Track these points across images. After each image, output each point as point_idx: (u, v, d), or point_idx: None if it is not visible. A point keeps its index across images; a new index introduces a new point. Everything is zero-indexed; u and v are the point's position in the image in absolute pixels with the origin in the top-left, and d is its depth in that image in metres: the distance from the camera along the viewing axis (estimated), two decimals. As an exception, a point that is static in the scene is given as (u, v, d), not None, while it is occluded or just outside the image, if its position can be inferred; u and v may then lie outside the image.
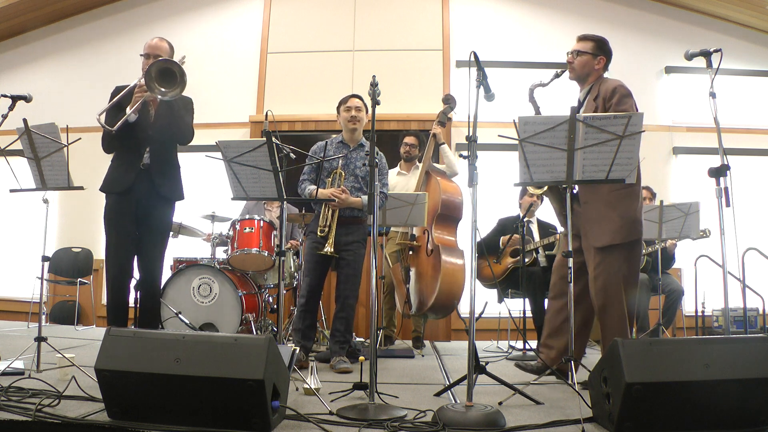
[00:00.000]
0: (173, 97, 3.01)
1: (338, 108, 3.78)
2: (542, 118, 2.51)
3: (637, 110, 2.93)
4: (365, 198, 3.60)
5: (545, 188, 3.06)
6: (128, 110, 3.09)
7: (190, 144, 6.22)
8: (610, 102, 2.92)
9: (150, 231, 3.24)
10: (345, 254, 3.56)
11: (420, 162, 4.74)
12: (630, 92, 2.97)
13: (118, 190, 3.18)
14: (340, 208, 3.54)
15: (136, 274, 3.31)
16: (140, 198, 3.17)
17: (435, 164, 4.61)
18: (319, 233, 3.52)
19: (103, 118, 3.09)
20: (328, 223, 3.49)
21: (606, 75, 3.12)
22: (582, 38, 3.12)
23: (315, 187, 3.55)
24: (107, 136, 3.19)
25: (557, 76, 3.06)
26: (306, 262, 3.70)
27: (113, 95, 3.27)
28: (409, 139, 4.74)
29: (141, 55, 3.29)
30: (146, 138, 3.20)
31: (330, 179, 3.59)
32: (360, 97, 3.73)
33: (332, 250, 3.44)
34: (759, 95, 6.40)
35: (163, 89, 2.97)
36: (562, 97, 3.31)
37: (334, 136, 3.83)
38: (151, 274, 3.26)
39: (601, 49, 3.09)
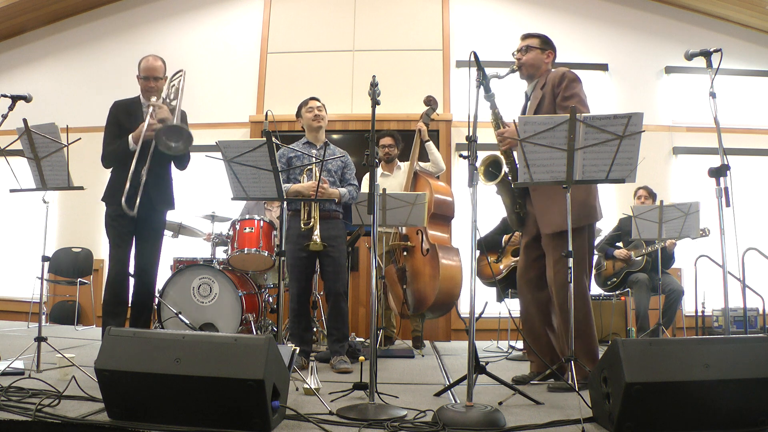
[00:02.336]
0: (177, 153, 3.17)
1: (299, 112, 3.82)
2: (542, 118, 2.51)
3: (585, 96, 2.94)
4: (342, 189, 3.66)
5: (497, 180, 3.02)
6: (131, 141, 3.29)
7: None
8: (559, 88, 2.92)
9: (147, 232, 3.43)
10: (330, 250, 3.56)
11: (400, 160, 4.75)
12: (578, 77, 2.97)
13: (120, 204, 3.35)
14: (321, 203, 3.55)
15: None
16: (138, 209, 3.33)
17: (420, 163, 4.62)
18: (303, 227, 3.50)
19: (131, 143, 3.29)
20: (311, 216, 3.50)
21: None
22: (526, 36, 3.14)
23: (289, 185, 3.56)
24: (110, 155, 3.39)
25: (513, 71, 3.02)
26: (290, 266, 3.67)
27: (112, 112, 3.45)
28: (385, 140, 4.71)
29: (140, 77, 3.44)
30: (145, 157, 3.35)
31: (303, 177, 3.61)
32: (318, 99, 3.80)
33: (320, 240, 3.43)
34: (759, 95, 6.41)
35: (170, 143, 3.12)
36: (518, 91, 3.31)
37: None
38: (148, 271, 3.44)
39: (547, 43, 3.12)
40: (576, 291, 2.81)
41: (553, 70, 3.10)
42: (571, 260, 2.56)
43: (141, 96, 3.52)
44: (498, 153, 3.10)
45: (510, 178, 3.13)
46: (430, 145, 4.61)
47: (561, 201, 2.80)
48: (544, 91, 2.99)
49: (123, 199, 3.18)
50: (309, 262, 3.63)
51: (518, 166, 2.60)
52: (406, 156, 4.73)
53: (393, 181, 4.64)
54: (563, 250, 2.79)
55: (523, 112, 3.15)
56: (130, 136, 3.30)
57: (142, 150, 3.32)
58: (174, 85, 3.50)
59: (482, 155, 3.11)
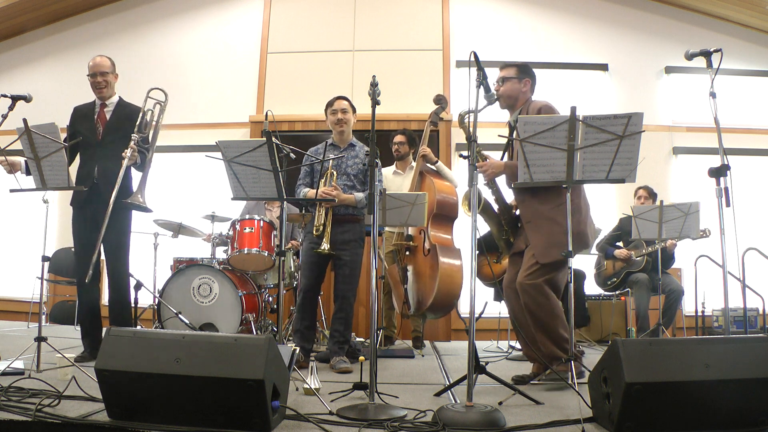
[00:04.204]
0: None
1: (325, 111, 3.79)
2: (542, 118, 2.51)
3: None
4: (359, 194, 3.63)
5: (479, 209, 3.06)
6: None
7: (190, 144, 6.23)
8: None
9: (109, 235, 3.50)
10: (342, 253, 3.56)
11: (414, 160, 4.74)
12: (555, 110, 3.01)
13: (77, 205, 3.59)
14: (335, 207, 3.54)
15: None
16: (95, 209, 3.46)
17: (429, 165, 4.60)
18: (314, 233, 3.52)
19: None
20: (322, 222, 3.50)
21: (534, 98, 3.17)
22: (504, 66, 3.19)
23: (308, 189, 3.61)
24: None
25: (491, 102, 2.99)
26: (303, 263, 3.72)
27: (70, 118, 3.66)
28: (397, 138, 4.71)
29: (88, 76, 3.65)
30: (94, 155, 3.54)
31: (323, 180, 3.60)
32: (346, 99, 3.75)
33: (329, 247, 3.44)
34: (759, 95, 6.40)
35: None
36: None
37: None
38: (117, 273, 3.61)
39: (524, 72, 3.15)
40: (539, 297, 2.89)
41: (533, 100, 3.14)
42: (571, 260, 2.56)
43: (96, 99, 3.67)
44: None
45: (496, 208, 3.21)
46: (440, 166, 4.54)
47: (557, 232, 2.85)
48: None
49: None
50: (322, 261, 3.63)
51: (518, 165, 2.60)
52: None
53: (405, 179, 4.65)
54: (541, 275, 2.90)
55: (507, 141, 3.20)
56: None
57: (91, 147, 3.49)
58: (150, 110, 3.58)
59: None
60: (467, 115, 2.88)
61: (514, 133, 3.05)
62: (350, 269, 3.62)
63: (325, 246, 3.42)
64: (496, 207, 3.24)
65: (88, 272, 3.37)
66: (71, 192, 3.51)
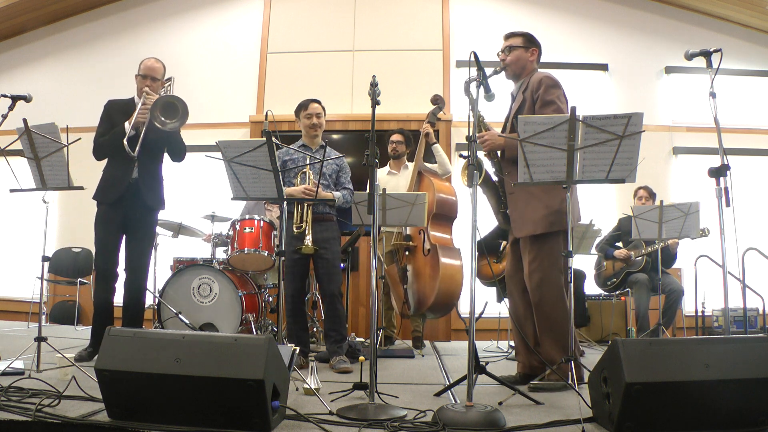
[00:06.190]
0: (172, 129, 3.28)
1: (297, 113, 3.77)
2: (542, 118, 2.50)
3: (566, 99, 2.94)
4: (337, 193, 3.66)
5: (479, 180, 3.00)
6: (127, 126, 3.39)
7: (191, 144, 6.25)
8: (537, 93, 2.93)
9: (136, 236, 3.55)
10: (323, 252, 3.57)
11: (408, 160, 4.74)
12: (557, 82, 2.96)
13: (109, 201, 3.51)
14: (314, 205, 3.55)
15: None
16: (128, 208, 3.48)
17: (426, 164, 4.61)
18: (295, 230, 3.51)
19: (127, 128, 3.41)
20: (304, 219, 3.50)
21: (540, 70, 3.12)
22: (509, 35, 3.15)
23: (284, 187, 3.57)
24: (103, 143, 3.50)
25: (496, 72, 3.01)
26: (285, 267, 3.66)
27: (106, 110, 3.60)
28: (395, 137, 4.72)
29: (137, 75, 3.56)
30: (136, 153, 3.46)
31: (297, 179, 3.61)
32: (319, 102, 3.75)
33: (312, 242, 3.43)
34: (759, 95, 6.41)
35: (164, 119, 3.25)
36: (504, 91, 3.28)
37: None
38: (136, 274, 3.56)
39: (531, 41, 3.12)
40: (552, 291, 2.85)
41: (538, 70, 3.11)
42: (571, 260, 2.55)
43: (136, 96, 3.62)
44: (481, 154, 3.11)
45: (495, 178, 3.16)
46: (437, 148, 4.57)
47: (537, 207, 2.87)
48: (525, 96, 3.00)
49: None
50: (302, 263, 3.63)
51: (518, 165, 2.60)
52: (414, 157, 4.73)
53: (400, 179, 4.65)
54: (538, 251, 2.88)
55: (508, 112, 3.18)
56: (126, 122, 3.40)
57: (133, 146, 3.42)
58: (165, 89, 3.60)
59: (483, 155, 3.14)
60: (471, 83, 2.72)
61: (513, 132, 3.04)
62: (332, 267, 3.63)
63: (308, 242, 3.41)
64: (495, 178, 3.20)
65: (115, 273, 3.49)
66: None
